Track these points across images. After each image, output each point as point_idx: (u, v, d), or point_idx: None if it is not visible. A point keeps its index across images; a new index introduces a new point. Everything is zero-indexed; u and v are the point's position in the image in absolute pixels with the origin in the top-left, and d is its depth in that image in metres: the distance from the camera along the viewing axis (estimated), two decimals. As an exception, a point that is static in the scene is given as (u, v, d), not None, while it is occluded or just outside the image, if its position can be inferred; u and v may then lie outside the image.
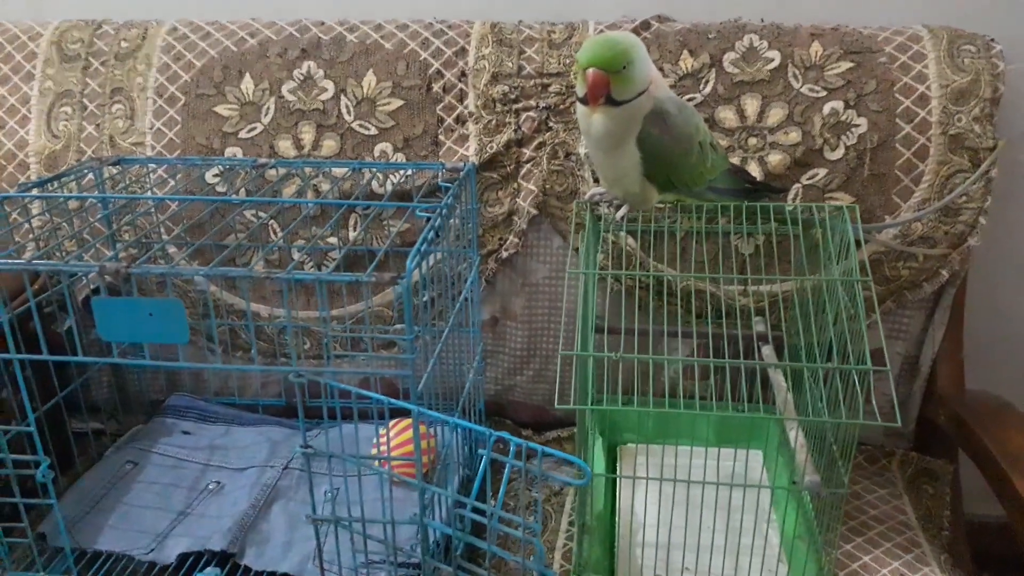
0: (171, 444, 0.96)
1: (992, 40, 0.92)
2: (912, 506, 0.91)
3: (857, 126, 0.90)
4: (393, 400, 0.62)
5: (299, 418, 0.66)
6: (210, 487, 0.90)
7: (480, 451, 0.94)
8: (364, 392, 0.62)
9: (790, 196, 0.91)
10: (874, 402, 0.58)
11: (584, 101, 0.73)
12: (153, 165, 0.98)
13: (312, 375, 0.64)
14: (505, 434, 0.60)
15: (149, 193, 0.98)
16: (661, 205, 0.85)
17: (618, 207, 0.84)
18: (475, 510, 0.61)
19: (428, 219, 0.70)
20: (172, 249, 0.99)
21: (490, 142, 0.95)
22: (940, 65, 0.90)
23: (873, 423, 0.57)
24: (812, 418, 0.62)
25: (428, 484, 0.65)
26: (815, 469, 0.67)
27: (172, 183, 0.98)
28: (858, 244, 0.82)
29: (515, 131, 0.95)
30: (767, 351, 0.84)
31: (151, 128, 0.99)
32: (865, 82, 0.90)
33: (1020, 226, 1.07)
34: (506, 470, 0.61)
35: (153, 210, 0.98)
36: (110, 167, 0.95)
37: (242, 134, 0.97)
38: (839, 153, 0.90)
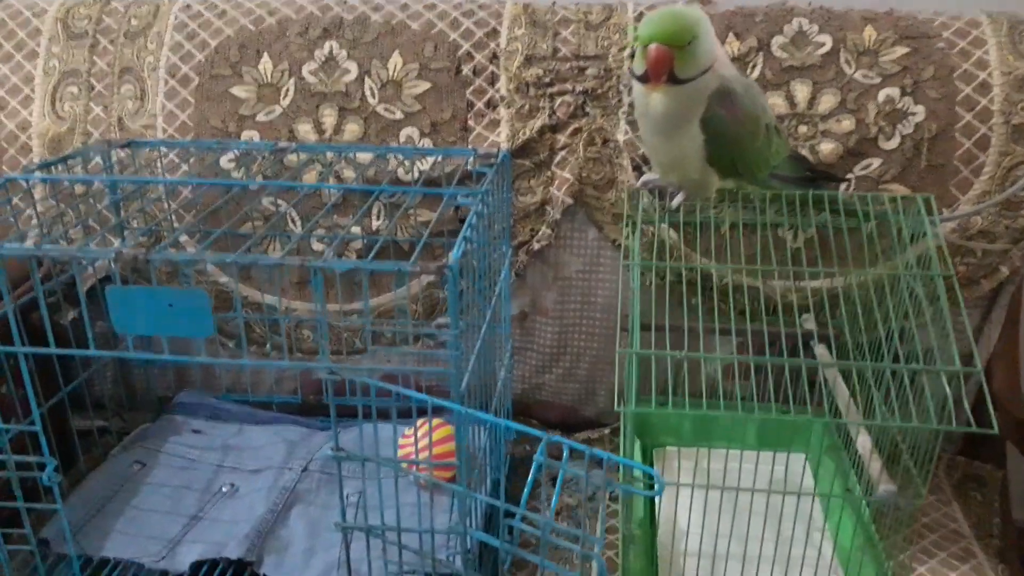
0: (181, 443, 0.91)
1: (1055, 26, 0.87)
2: (962, 513, 0.87)
3: (914, 114, 0.85)
4: (437, 400, 0.57)
5: (331, 418, 0.61)
6: (224, 490, 0.85)
7: (503, 450, 0.90)
8: (407, 391, 0.57)
9: (842, 187, 0.87)
10: (966, 405, 0.53)
11: (643, 79, 0.68)
12: (165, 149, 0.92)
13: (347, 372, 0.59)
14: (561, 438, 0.55)
15: (160, 178, 0.92)
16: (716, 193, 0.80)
17: (672, 195, 0.79)
18: (525, 520, 0.56)
19: (457, 208, 0.65)
20: (184, 238, 0.94)
21: (523, 128, 0.90)
22: (1002, 51, 0.86)
23: (968, 429, 0.52)
24: (899, 423, 0.57)
25: (471, 492, 0.60)
26: (891, 478, 0.62)
27: (185, 168, 0.93)
28: (912, 239, 0.77)
29: (549, 116, 0.90)
30: (820, 350, 0.79)
31: (162, 110, 0.94)
32: (922, 68, 0.86)
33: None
34: (559, 478, 0.56)
35: (164, 196, 0.93)
36: (119, 150, 0.89)
37: (260, 117, 0.92)
38: (895, 142, 0.86)
